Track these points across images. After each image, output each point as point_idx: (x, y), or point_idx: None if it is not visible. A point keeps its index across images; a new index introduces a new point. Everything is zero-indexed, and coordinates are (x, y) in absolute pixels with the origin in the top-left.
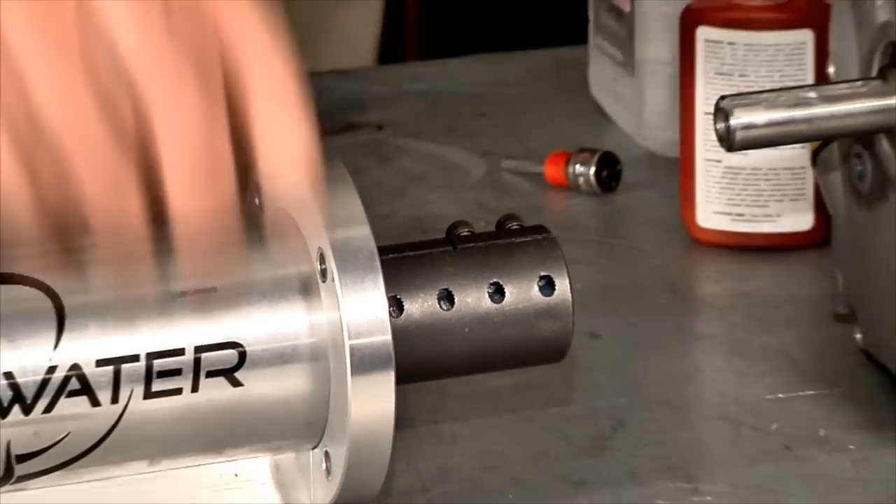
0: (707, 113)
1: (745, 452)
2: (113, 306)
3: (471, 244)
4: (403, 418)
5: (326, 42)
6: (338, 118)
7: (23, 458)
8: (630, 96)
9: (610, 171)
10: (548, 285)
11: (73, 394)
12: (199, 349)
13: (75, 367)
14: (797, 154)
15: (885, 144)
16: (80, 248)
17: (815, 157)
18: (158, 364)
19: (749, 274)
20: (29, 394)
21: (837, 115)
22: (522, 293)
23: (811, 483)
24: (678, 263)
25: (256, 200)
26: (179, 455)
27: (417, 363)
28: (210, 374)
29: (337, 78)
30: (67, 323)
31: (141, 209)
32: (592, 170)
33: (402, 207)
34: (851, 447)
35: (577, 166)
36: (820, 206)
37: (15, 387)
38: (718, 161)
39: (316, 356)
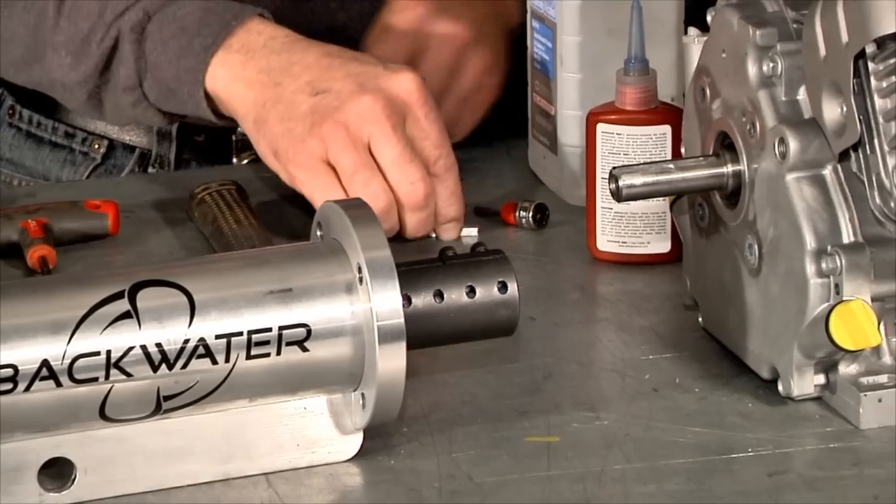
0: (603, 178)
1: (628, 393)
2: (226, 300)
3: (454, 261)
4: (411, 371)
5: None
6: None
7: (167, 398)
8: (554, 168)
9: (542, 214)
10: (503, 287)
11: (200, 357)
12: (282, 328)
13: (202, 339)
14: (661, 203)
15: (717, 197)
16: (205, 261)
17: (672, 204)
18: (255, 337)
19: (630, 279)
20: (172, 356)
21: (687, 178)
22: (487, 292)
23: (670, 412)
24: (585, 273)
25: (319, 233)
26: (268, 395)
27: (420, 336)
28: (288, 344)
29: None
30: (196, 311)
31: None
32: (531, 214)
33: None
34: (696, 390)
35: (521, 211)
36: (675, 237)
37: (163, 352)
38: (610, 208)
39: (356, 332)
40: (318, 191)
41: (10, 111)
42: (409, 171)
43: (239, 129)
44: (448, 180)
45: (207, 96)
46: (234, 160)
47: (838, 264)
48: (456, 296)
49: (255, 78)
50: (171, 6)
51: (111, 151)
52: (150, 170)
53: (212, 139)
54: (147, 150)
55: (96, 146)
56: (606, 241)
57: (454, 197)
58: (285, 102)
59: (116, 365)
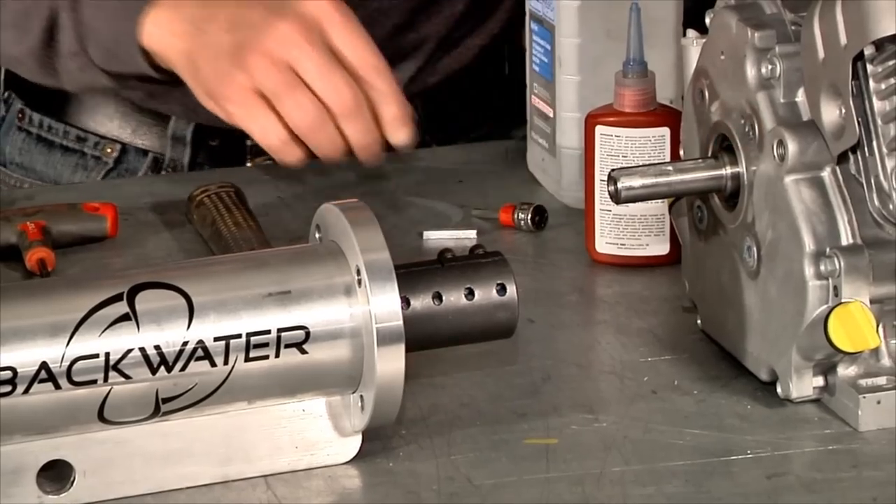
0: (602, 180)
1: (627, 395)
2: (224, 302)
3: (453, 263)
4: (410, 373)
5: None
6: (371, 185)
7: (166, 401)
8: (553, 170)
9: (540, 217)
10: (502, 289)
11: (198, 359)
12: (280, 330)
13: (200, 341)
14: (659, 205)
15: (716, 199)
16: (203, 264)
17: (671, 207)
18: (254, 340)
19: (628, 282)
20: (170, 359)
21: (686, 181)
22: (486, 294)
23: (669, 414)
24: (583, 275)
25: (318, 235)
26: (266, 398)
27: (419, 339)
28: (287, 346)
29: None
30: (195, 313)
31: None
32: (529, 216)
33: (409, 239)
34: (695, 392)
35: (520, 213)
36: (674, 239)
37: (161, 354)
38: (609, 210)
39: (355, 334)
40: (254, 121)
41: (20, 115)
42: (332, 80)
43: None
44: (379, 81)
45: (147, 54)
46: (248, 164)
47: (837, 266)
48: (455, 298)
49: (182, 29)
50: None
51: (123, 156)
52: (163, 174)
53: (226, 143)
54: (160, 155)
55: (108, 150)
56: (605, 243)
57: (389, 96)
58: (210, 46)
59: (115, 367)
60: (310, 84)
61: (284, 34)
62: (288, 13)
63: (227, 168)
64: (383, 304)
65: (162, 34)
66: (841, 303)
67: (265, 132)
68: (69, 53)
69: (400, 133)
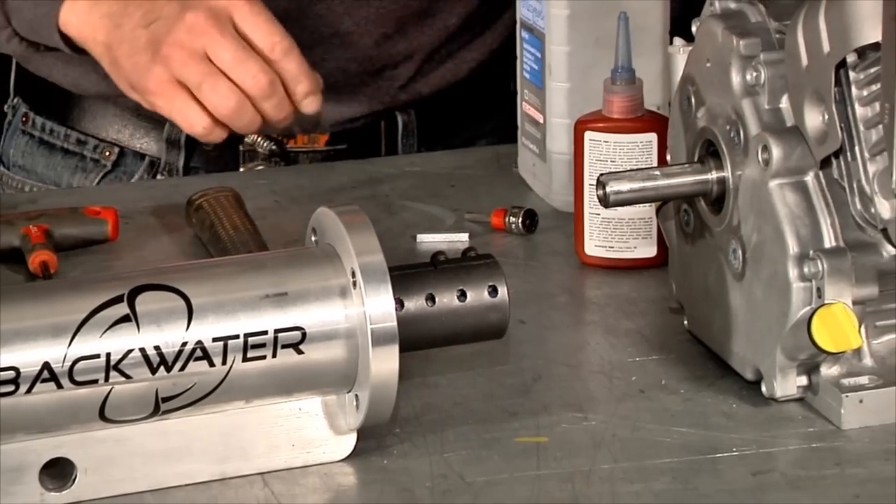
0: (591, 184)
1: (615, 394)
2: (223, 304)
3: (446, 265)
4: (404, 373)
5: None
6: (365, 189)
7: (166, 400)
8: (543, 175)
9: (531, 220)
10: (493, 291)
11: (197, 359)
12: (277, 331)
13: (199, 342)
14: (647, 209)
15: (702, 203)
16: (202, 266)
17: (658, 210)
18: (251, 340)
19: (617, 284)
20: (170, 359)
21: (673, 185)
22: (478, 296)
23: (656, 413)
24: (573, 278)
25: (314, 238)
26: (264, 397)
27: (412, 339)
28: (284, 346)
29: (364, 163)
30: (194, 315)
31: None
32: (520, 219)
33: (403, 242)
34: (682, 391)
35: (511, 217)
36: (661, 242)
37: (161, 355)
38: (598, 214)
39: (350, 335)
40: (177, 111)
41: (24, 118)
42: (247, 66)
43: (246, 139)
44: (288, 62)
45: (67, 37)
46: (242, 168)
47: (820, 268)
48: (447, 300)
49: (100, 23)
50: None
51: (121, 159)
52: (158, 177)
53: (220, 148)
54: (156, 158)
55: (107, 153)
56: (594, 245)
57: (301, 75)
58: (127, 40)
59: (116, 367)
60: (226, 71)
61: (196, 25)
62: (198, 5)
63: (225, 173)
64: (378, 305)
65: (80, 24)
66: (824, 304)
67: (189, 121)
68: None
69: (311, 106)
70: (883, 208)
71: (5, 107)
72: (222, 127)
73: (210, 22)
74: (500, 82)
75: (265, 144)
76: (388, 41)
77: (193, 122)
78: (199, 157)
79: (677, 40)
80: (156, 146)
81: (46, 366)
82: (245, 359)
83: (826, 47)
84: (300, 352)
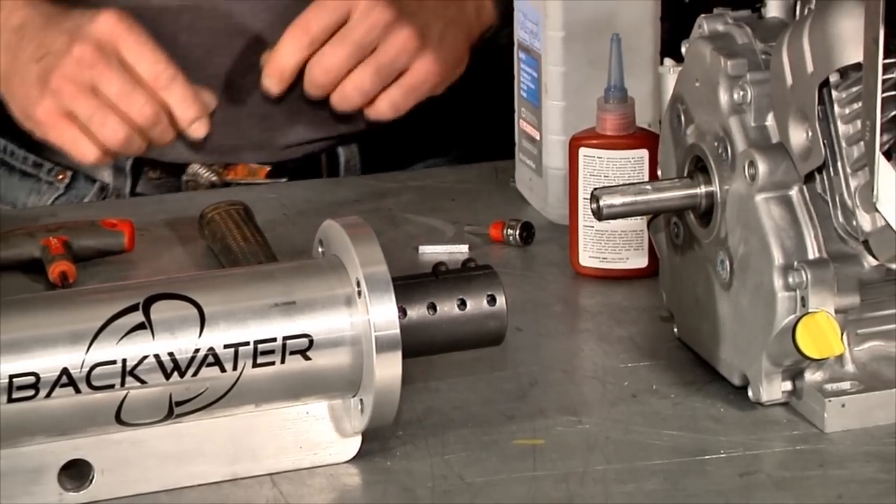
0: (585, 198)
1: (608, 399)
2: (234, 312)
3: (446, 275)
4: (406, 378)
5: None
6: (370, 202)
7: (179, 404)
8: (539, 189)
9: (528, 232)
10: (492, 300)
11: (209, 365)
12: (286, 338)
13: (211, 349)
14: (638, 222)
15: (691, 216)
16: (214, 276)
17: (649, 223)
18: (261, 347)
19: (610, 293)
20: (183, 365)
21: (663, 199)
22: (477, 304)
23: (647, 417)
24: (568, 287)
25: (321, 249)
26: (273, 401)
27: (415, 346)
28: (292, 353)
29: (369, 178)
30: (206, 322)
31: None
32: (518, 232)
33: (405, 253)
34: (672, 396)
35: (509, 229)
36: (652, 253)
37: (175, 361)
38: (592, 226)
39: (355, 342)
40: (67, 142)
41: None
42: (133, 98)
43: (189, 169)
44: (174, 89)
45: None
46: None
47: (804, 279)
48: (448, 308)
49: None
50: None
51: (74, 182)
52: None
53: (165, 175)
54: (106, 184)
55: (60, 177)
56: (588, 257)
57: (186, 101)
58: (20, 73)
59: (131, 373)
60: (114, 105)
61: (84, 59)
62: (84, 38)
63: (236, 187)
64: (381, 313)
65: None
66: (808, 313)
67: (81, 152)
68: None
69: (197, 131)
70: (864, 221)
71: None
72: (112, 154)
73: (97, 55)
74: (447, 106)
75: (206, 175)
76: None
77: (85, 154)
78: (146, 183)
79: (667, 61)
80: (105, 172)
81: (65, 371)
82: (255, 365)
83: (810, 67)
84: (307, 358)
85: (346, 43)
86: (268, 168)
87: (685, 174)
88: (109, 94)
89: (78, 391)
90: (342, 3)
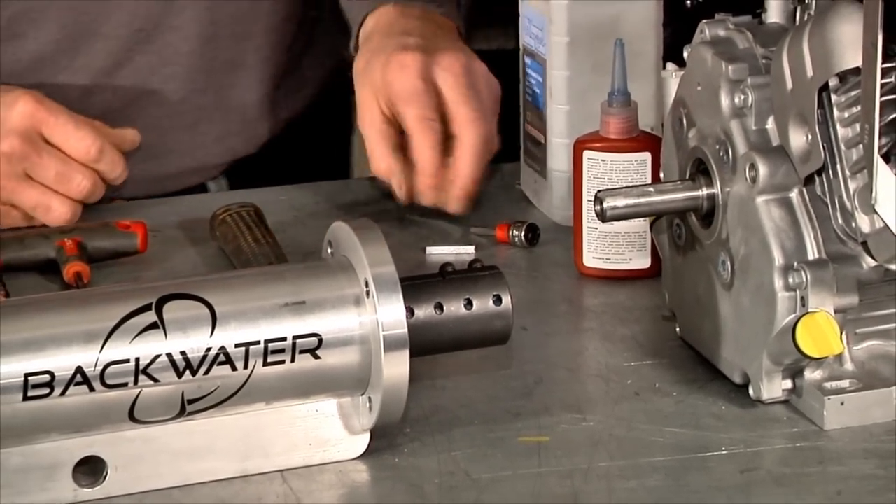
0: (589, 200)
1: (612, 396)
2: (245, 312)
3: (453, 276)
4: (414, 376)
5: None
6: (378, 205)
7: (191, 402)
8: (544, 191)
9: (533, 234)
10: (498, 300)
11: (220, 363)
12: (295, 337)
13: (222, 348)
14: (641, 223)
15: (693, 218)
16: (225, 277)
17: (652, 224)
18: (271, 346)
19: (613, 293)
20: (195, 364)
21: (666, 201)
22: (483, 304)
23: (650, 414)
24: (572, 287)
25: (330, 251)
26: (283, 399)
27: (422, 345)
28: (301, 352)
29: (374, 180)
30: (218, 322)
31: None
32: (523, 233)
33: (413, 254)
34: (674, 394)
35: (515, 231)
36: (654, 254)
37: (187, 360)
38: (596, 228)
39: (363, 341)
40: (18, 226)
41: None
42: (70, 177)
43: None
44: (104, 162)
45: None
46: None
47: (804, 279)
48: (455, 308)
49: None
50: None
51: None
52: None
53: None
54: None
55: None
56: (592, 257)
57: (117, 165)
58: None
59: (144, 371)
60: (52, 187)
61: (13, 153)
62: (7, 132)
63: (247, 189)
64: (389, 313)
65: None
66: (808, 312)
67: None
68: None
69: (122, 178)
70: (863, 223)
71: None
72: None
73: (25, 146)
74: (326, 127)
75: None
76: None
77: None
78: None
79: (670, 65)
80: None
81: (79, 370)
82: (265, 363)
83: (810, 72)
84: (317, 357)
85: None
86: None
87: (687, 176)
88: (47, 180)
89: (92, 389)
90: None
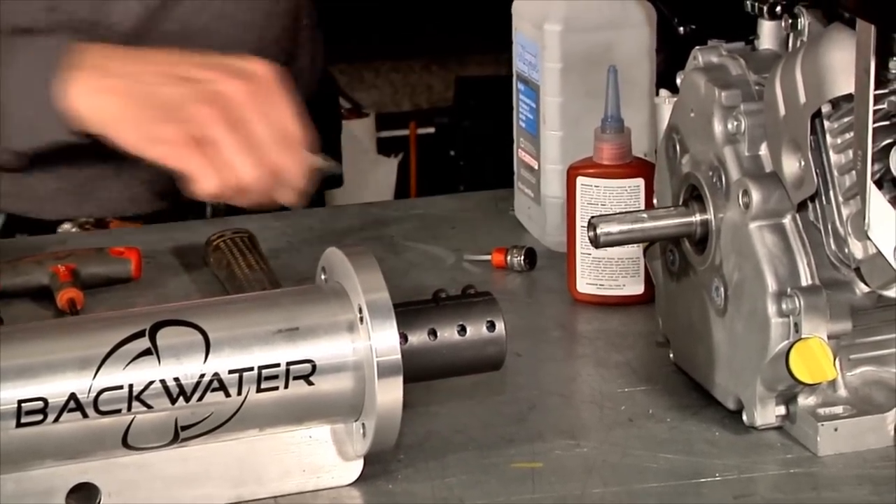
0: (583, 226)
1: (606, 423)
2: (238, 338)
3: (447, 302)
4: (407, 402)
5: (364, 187)
6: (371, 230)
7: (185, 428)
8: (538, 217)
9: (531, 258)
10: (491, 326)
11: (214, 390)
12: (289, 363)
13: (216, 374)
14: (635, 249)
15: (686, 244)
16: (219, 303)
17: (645, 250)
18: (265, 372)
19: (607, 319)
20: (188, 390)
21: (659, 227)
22: (477, 330)
23: (644, 440)
24: (565, 313)
25: (323, 276)
26: (276, 425)
27: (415, 371)
28: (295, 378)
29: (370, 206)
30: (211, 348)
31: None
32: (522, 257)
33: (406, 280)
34: (668, 420)
35: (514, 255)
36: (648, 280)
37: (180, 386)
38: (589, 254)
39: (357, 367)
40: (192, 169)
41: None
42: (283, 148)
43: (59, 228)
44: (303, 156)
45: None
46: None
47: (797, 305)
48: (448, 334)
49: (116, 83)
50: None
51: None
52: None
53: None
54: None
55: None
56: (585, 283)
57: (303, 172)
58: (146, 95)
59: (138, 398)
60: (258, 144)
61: (237, 93)
62: (247, 75)
63: (241, 215)
64: (383, 339)
65: (90, 91)
66: (801, 338)
67: (202, 183)
68: None
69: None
70: (856, 249)
71: None
72: (229, 195)
73: (254, 95)
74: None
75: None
76: None
77: (205, 185)
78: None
79: (663, 92)
80: None
81: (73, 396)
82: (259, 390)
83: (802, 98)
84: (310, 383)
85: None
86: (140, 223)
87: (680, 202)
88: (261, 135)
89: (85, 416)
90: None
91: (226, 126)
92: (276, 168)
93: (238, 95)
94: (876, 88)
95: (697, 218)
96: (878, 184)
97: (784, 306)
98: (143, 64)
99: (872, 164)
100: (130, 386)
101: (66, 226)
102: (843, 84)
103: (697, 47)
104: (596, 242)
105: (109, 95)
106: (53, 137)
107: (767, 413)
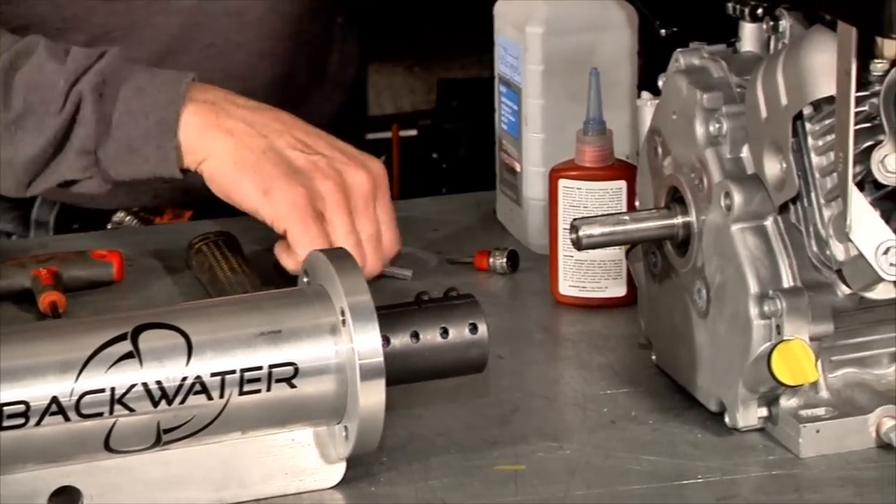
0: (565, 228)
1: (588, 425)
2: (220, 341)
3: (429, 304)
4: (390, 405)
5: None
6: None
7: (167, 431)
8: (520, 219)
9: (514, 261)
10: (474, 328)
11: (197, 393)
12: (271, 366)
13: (198, 377)
14: (617, 251)
15: (669, 246)
16: (201, 306)
17: (628, 253)
18: (247, 375)
19: (589, 321)
20: (171, 393)
21: (641, 229)
22: (459, 333)
23: (627, 442)
24: (548, 316)
25: (306, 279)
26: (259, 428)
27: (398, 374)
28: (277, 381)
29: None
30: (194, 351)
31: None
32: (505, 260)
33: (389, 283)
34: (650, 421)
35: (496, 258)
36: (630, 282)
37: (163, 389)
38: (571, 256)
39: (340, 369)
40: (306, 237)
41: None
42: (388, 236)
43: (114, 217)
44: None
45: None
46: None
47: (779, 307)
48: (431, 336)
49: (236, 126)
50: (121, 69)
51: None
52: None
53: (85, 228)
54: (24, 237)
55: None
56: (568, 286)
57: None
58: (270, 148)
59: (120, 401)
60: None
61: (364, 181)
62: (368, 166)
63: (224, 218)
64: (365, 342)
65: (204, 127)
66: (783, 340)
67: (296, 257)
68: (79, 151)
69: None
70: (837, 250)
71: None
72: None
73: (375, 186)
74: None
75: (133, 222)
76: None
77: (291, 262)
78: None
79: (645, 94)
80: (21, 226)
81: (55, 400)
82: (241, 393)
83: (784, 100)
84: (293, 386)
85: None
86: (191, 212)
87: (663, 205)
88: (366, 231)
89: (67, 419)
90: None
91: (346, 211)
92: (362, 265)
93: (361, 186)
94: (857, 91)
95: (679, 220)
96: (860, 186)
97: (766, 308)
98: (261, 114)
99: (854, 166)
100: (112, 389)
101: (121, 214)
102: (825, 86)
103: (679, 49)
104: (578, 245)
105: (227, 136)
106: (157, 171)
107: (750, 415)
